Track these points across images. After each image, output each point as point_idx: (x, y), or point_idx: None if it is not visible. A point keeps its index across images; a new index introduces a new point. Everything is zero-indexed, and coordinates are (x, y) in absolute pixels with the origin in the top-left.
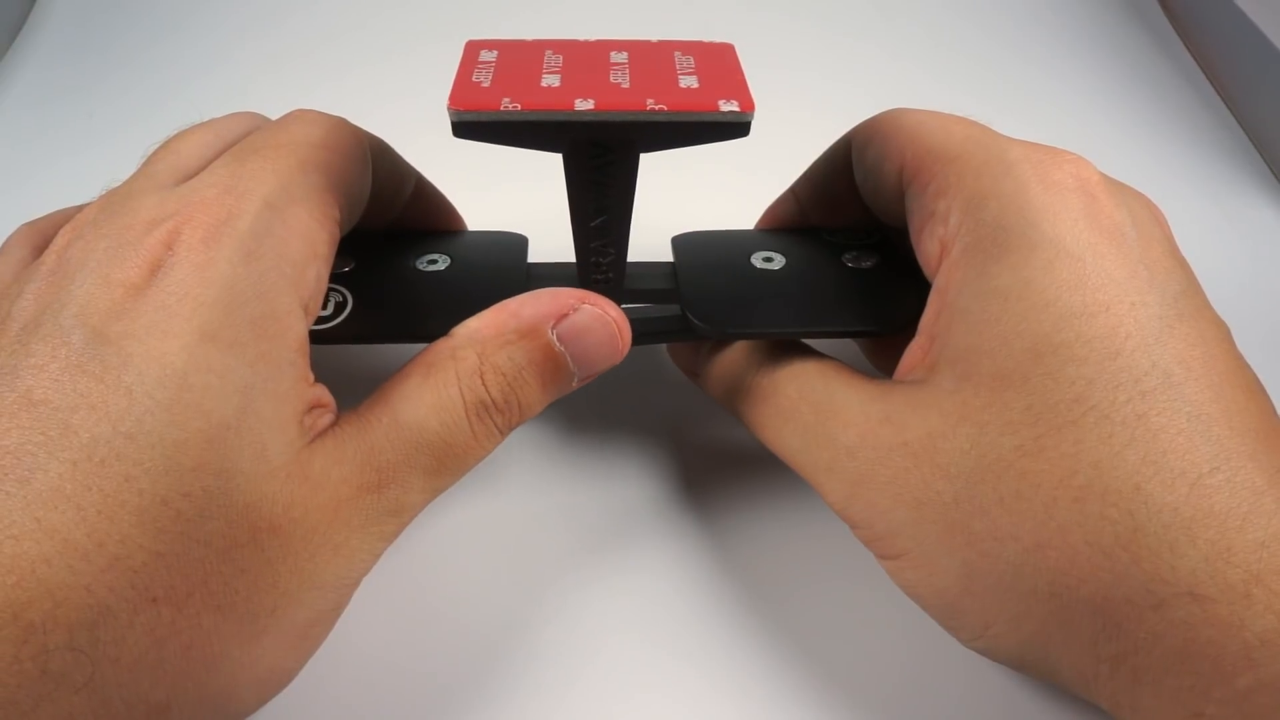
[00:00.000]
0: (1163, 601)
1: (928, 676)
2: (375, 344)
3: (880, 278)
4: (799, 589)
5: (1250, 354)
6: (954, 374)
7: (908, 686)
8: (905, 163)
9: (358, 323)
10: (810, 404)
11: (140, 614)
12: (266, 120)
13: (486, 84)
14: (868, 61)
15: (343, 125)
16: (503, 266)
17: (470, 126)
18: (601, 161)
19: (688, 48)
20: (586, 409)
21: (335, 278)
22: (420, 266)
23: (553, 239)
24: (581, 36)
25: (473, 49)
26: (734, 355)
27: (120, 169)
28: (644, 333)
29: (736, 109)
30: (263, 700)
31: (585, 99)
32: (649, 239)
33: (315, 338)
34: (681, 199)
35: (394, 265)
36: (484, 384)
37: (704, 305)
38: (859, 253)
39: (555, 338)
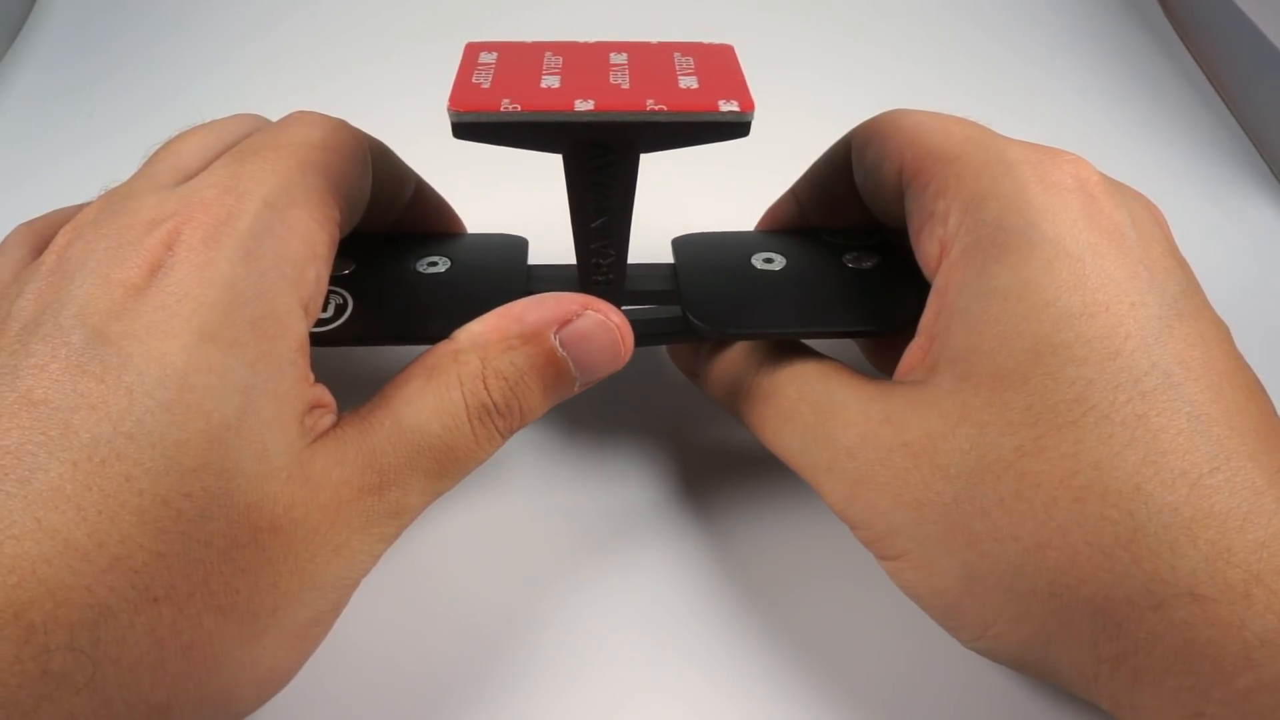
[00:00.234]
0: (1163, 601)
1: (928, 676)
2: (375, 346)
3: (880, 278)
4: (799, 589)
5: (1250, 354)
6: (954, 374)
7: (908, 687)
8: (905, 163)
9: (358, 324)
10: (810, 404)
11: (141, 614)
12: (267, 122)
13: (486, 85)
14: (868, 62)
15: (342, 127)
16: (503, 269)
17: (470, 127)
18: (601, 162)
19: (687, 49)
20: (587, 410)
21: (335, 280)
22: (420, 269)
23: (553, 241)
24: (581, 38)
25: (472, 51)
26: (734, 356)
27: (120, 169)
28: (644, 334)
29: (736, 109)
30: (262, 700)
31: (585, 99)
32: (649, 240)
33: (315, 339)
34: (682, 200)
35: (394, 267)
36: (486, 388)
37: (704, 306)
38: (859, 253)
39: (558, 343)
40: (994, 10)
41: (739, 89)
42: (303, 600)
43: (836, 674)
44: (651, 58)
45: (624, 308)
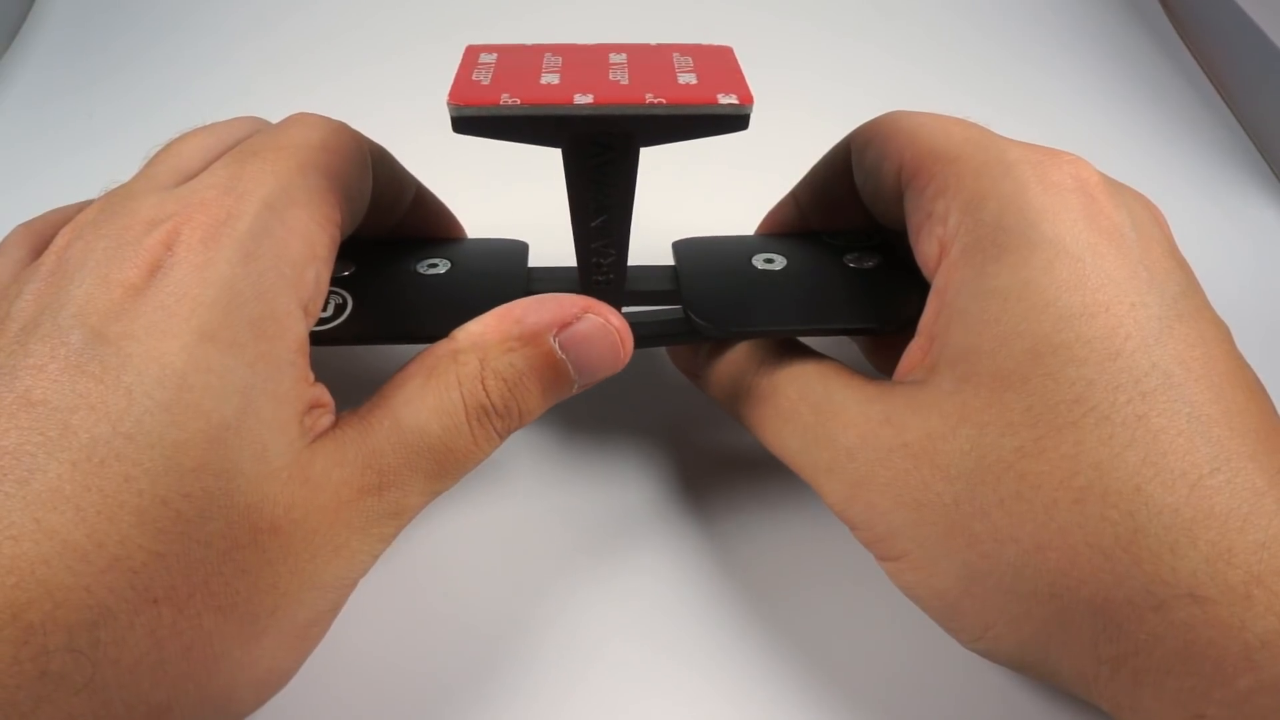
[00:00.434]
0: (1163, 603)
1: (928, 677)
2: (375, 345)
3: (881, 278)
4: (799, 591)
5: (1250, 354)
6: (954, 375)
7: (908, 687)
8: (904, 164)
9: (357, 324)
10: (810, 405)
11: (140, 615)
12: (267, 124)
13: (486, 82)
14: (868, 63)
15: (343, 129)
16: (503, 271)
17: (469, 121)
18: (601, 159)
19: (686, 49)
20: (587, 412)
21: (335, 280)
22: (421, 270)
23: (553, 242)
24: (580, 40)
25: (472, 52)
26: (734, 357)
27: (120, 169)
28: (645, 335)
29: (735, 101)
30: (262, 700)
31: (584, 94)
32: (650, 243)
33: (315, 339)
34: (682, 203)
35: (394, 269)
36: (485, 389)
37: (706, 305)
38: (860, 253)
39: (557, 345)
40: (994, 10)
41: (738, 83)
42: (302, 600)
43: (837, 676)
44: (651, 57)
45: (624, 308)
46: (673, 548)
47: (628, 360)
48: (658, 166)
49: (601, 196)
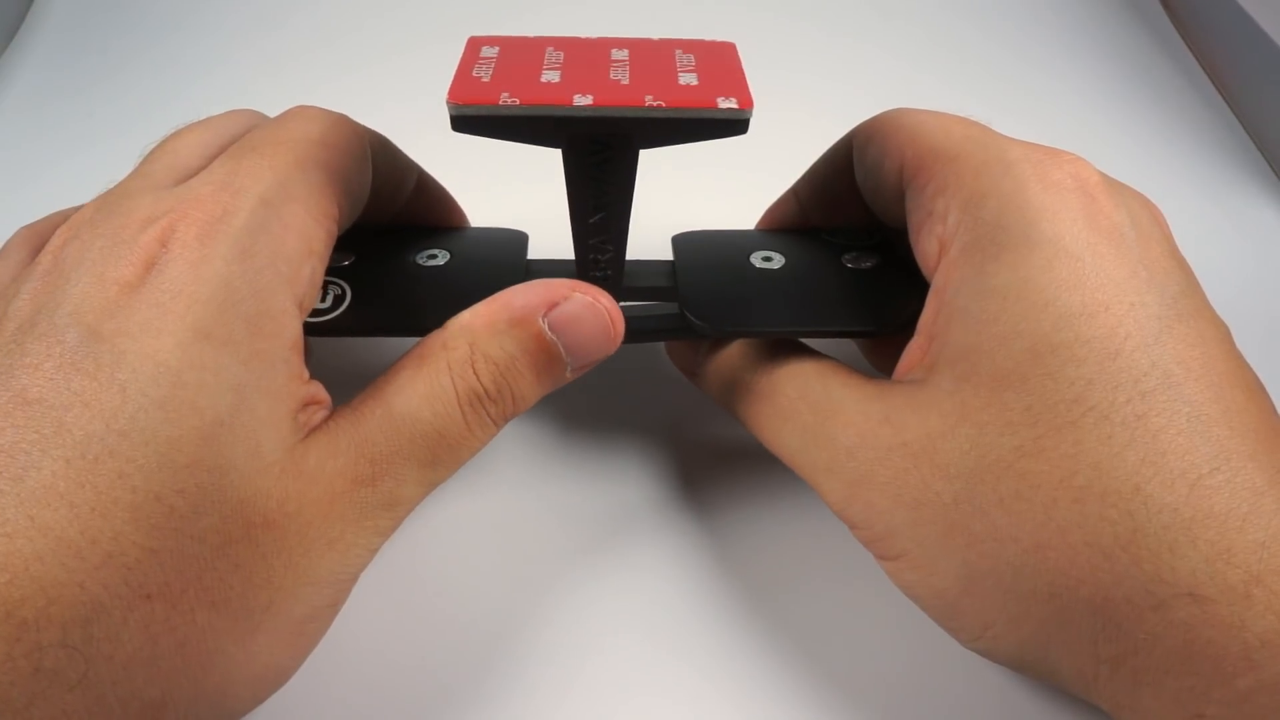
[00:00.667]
0: (1163, 602)
1: (928, 675)
2: (373, 337)
3: (879, 278)
4: (798, 588)
5: (1250, 354)
6: (953, 374)
7: (907, 685)
8: (905, 162)
9: (355, 315)
10: (809, 404)
11: (134, 611)
12: (264, 117)
13: (486, 79)
14: (868, 62)
15: (342, 122)
16: (502, 262)
17: (468, 120)
18: (600, 158)
19: (689, 46)
20: (585, 408)
21: (334, 270)
22: (420, 261)
23: (553, 237)
24: (584, 35)
25: (474, 45)
26: (732, 354)
27: (120, 169)
28: (642, 330)
29: (735, 106)
30: (259, 698)
31: (584, 94)
32: (650, 238)
33: (312, 329)
34: (683, 199)
35: (393, 259)
36: (475, 373)
37: (702, 303)
38: (859, 253)
39: (546, 326)
40: (995, 10)
41: (738, 86)
42: (297, 595)
43: (836, 674)
44: (653, 54)
45: (622, 303)
46: (671, 543)
47: (619, 341)
48: (660, 161)
49: (600, 194)
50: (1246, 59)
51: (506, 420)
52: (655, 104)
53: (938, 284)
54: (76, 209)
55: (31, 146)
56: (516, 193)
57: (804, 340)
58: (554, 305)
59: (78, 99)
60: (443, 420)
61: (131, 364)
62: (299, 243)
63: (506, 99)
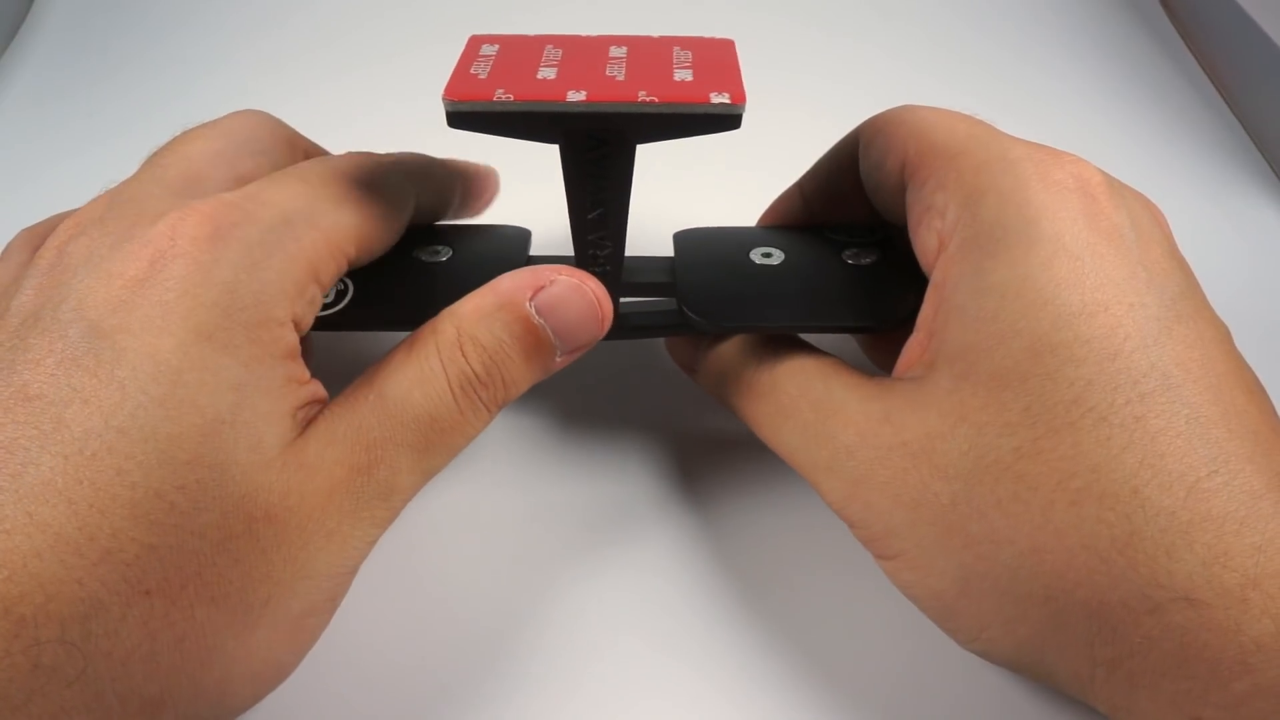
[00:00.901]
0: (1159, 606)
1: (927, 672)
2: (375, 331)
3: (880, 274)
4: (797, 585)
5: (1250, 354)
6: (952, 373)
7: (907, 682)
8: (907, 158)
9: (358, 310)
10: (810, 402)
11: (133, 607)
12: (271, 118)
13: (483, 76)
14: (869, 62)
15: (394, 170)
16: (504, 258)
17: (464, 117)
18: (597, 154)
19: (687, 43)
20: (585, 405)
21: None
22: (422, 257)
23: (554, 234)
24: (585, 34)
25: (474, 43)
26: (732, 351)
27: (120, 169)
28: (642, 326)
29: (727, 101)
30: (259, 695)
31: (578, 90)
32: (652, 235)
33: (315, 324)
34: (685, 197)
35: (396, 255)
36: (464, 356)
37: (700, 299)
38: (859, 249)
39: (534, 310)
40: (995, 10)
41: (732, 82)
42: (295, 590)
43: (835, 671)
44: (650, 51)
45: (622, 299)
46: (671, 540)
47: (609, 324)
48: (661, 159)
49: (598, 190)
50: (1246, 59)
51: (499, 406)
52: (648, 99)
53: (936, 280)
54: (77, 211)
55: (31, 146)
56: (518, 190)
57: (804, 336)
58: (540, 289)
59: (78, 99)
60: (434, 403)
61: (132, 361)
62: (308, 267)
63: (501, 95)
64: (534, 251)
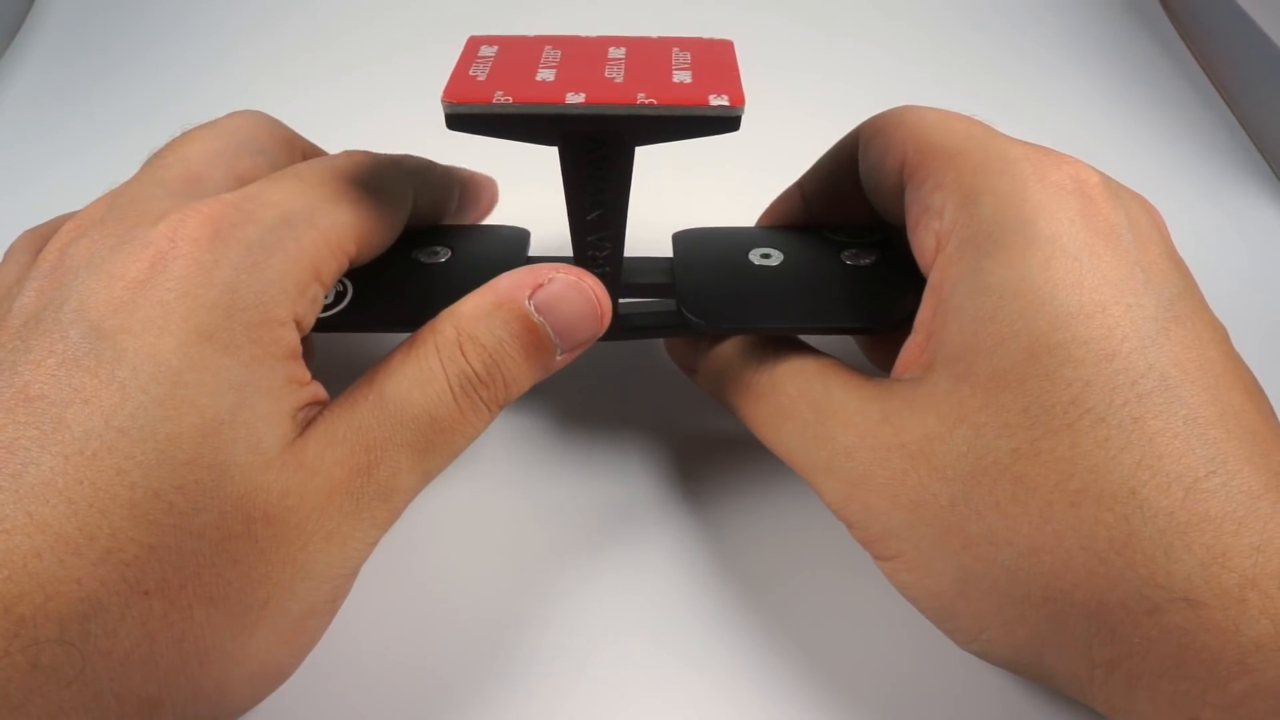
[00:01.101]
0: (1157, 606)
1: (927, 674)
2: (374, 333)
3: (878, 275)
4: (797, 585)
5: (1250, 354)
6: (950, 374)
7: (906, 681)
8: (906, 158)
9: (358, 312)
10: (809, 403)
11: (132, 607)
12: (270, 119)
13: (482, 78)
14: (869, 62)
15: (391, 169)
16: (503, 259)
17: (463, 119)
18: (596, 156)
19: (686, 44)
20: (585, 405)
21: None
22: (422, 258)
23: (552, 234)
24: (584, 34)
25: (474, 44)
26: (732, 352)
27: (120, 169)
28: (641, 327)
29: (726, 103)
30: (258, 696)
31: (577, 92)
32: (652, 236)
33: (315, 326)
34: (685, 198)
35: (396, 256)
36: (464, 355)
37: (699, 300)
38: (858, 250)
39: (533, 308)
40: (994, 11)
41: (731, 84)
42: (295, 591)
43: (834, 671)
44: (650, 52)
45: (621, 300)
46: (671, 540)
47: (607, 322)
48: (661, 159)
49: (596, 192)
50: (1246, 59)
51: (500, 405)
52: (647, 101)
53: (934, 280)
54: (79, 213)
55: (31, 146)
56: (517, 191)
57: (803, 337)
58: (539, 287)
59: (78, 99)
60: (433, 403)
61: (132, 361)
62: (309, 267)
63: (500, 97)
64: (533, 252)
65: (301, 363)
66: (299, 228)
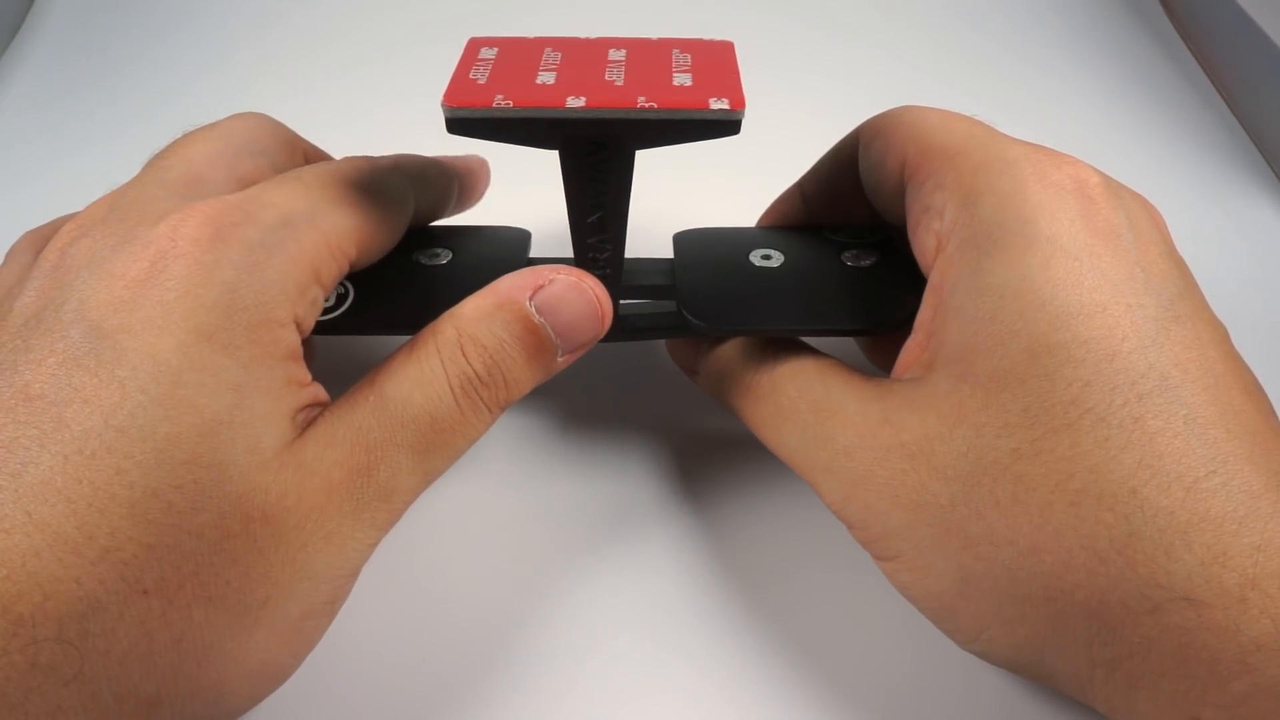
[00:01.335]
0: (1158, 606)
1: (927, 673)
2: (375, 335)
3: (879, 276)
4: (797, 585)
5: (1250, 354)
6: (951, 374)
7: (906, 682)
8: (907, 158)
9: (359, 314)
10: (809, 403)
11: (130, 606)
12: (271, 120)
13: (482, 81)
14: (869, 62)
15: (392, 173)
16: (504, 260)
17: (463, 123)
18: (596, 159)
19: (686, 45)
20: (586, 406)
21: None
22: (423, 260)
23: (552, 235)
24: (584, 35)
25: (474, 46)
26: (732, 353)
27: (120, 170)
28: (642, 328)
29: (727, 107)
30: (257, 696)
31: (577, 96)
32: (653, 236)
33: (316, 328)
34: (686, 198)
35: (396, 258)
36: (465, 356)
37: (700, 302)
38: (859, 251)
39: (534, 309)
40: (994, 11)
41: (732, 87)
42: (294, 592)
43: (834, 671)
44: (650, 54)
45: (622, 302)
46: (671, 540)
47: (609, 322)
48: (662, 160)
49: (597, 194)
50: (1246, 59)
51: (501, 407)
52: (648, 105)
53: (934, 280)
54: (80, 213)
55: (31, 146)
56: (517, 192)
57: (804, 338)
58: (540, 288)
59: (78, 99)
60: (434, 404)
61: (132, 361)
62: (310, 268)
63: (500, 101)
64: (534, 253)
65: (302, 364)
66: (300, 229)
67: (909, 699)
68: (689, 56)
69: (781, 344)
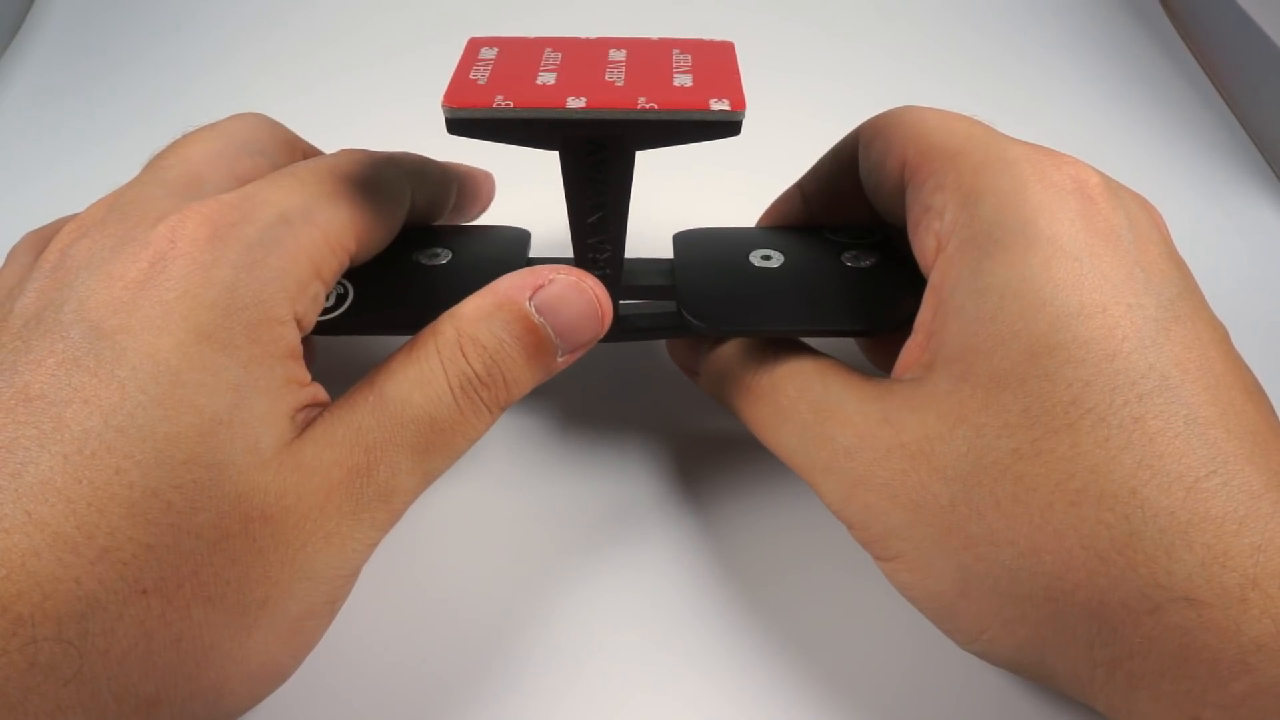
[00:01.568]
0: (1158, 606)
1: (928, 673)
2: (375, 335)
3: (879, 276)
4: (797, 584)
5: (1250, 354)
6: (951, 374)
7: (907, 682)
8: (907, 158)
9: (358, 314)
10: (809, 403)
11: (130, 606)
12: (271, 121)
13: (483, 81)
14: (870, 62)
15: (388, 167)
16: (504, 260)
17: (463, 123)
18: (596, 159)
19: (687, 46)
20: (585, 406)
21: None
22: (422, 260)
23: (552, 235)
24: (584, 35)
25: (474, 46)
26: (732, 353)
27: (120, 170)
28: (642, 328)
29: (727, 108)
30: (256, 696)
31: (577, 97)
32: (653, 236)
33: (316, 329)
34: (686, 198)
35: (396, 259)
36: (465, 356)
37: (699, 302)
38: (859, 252)
39: (533, 309)
40: (994, 11)
41: (732, 88)
42: (293, 592)
43: (834, 671)
44: (650, 55)
45: (622, 302)
46: (671, 540)
47: (609, 322)
48: (662, 159)
49: (597, 195)
50: (1246, 59)
51: (501, 407)
52: (648, 106)
53: (934, 280)
54: (80, 214)
55: (31, 146)
56: (517, 192)
57: (804, 338)
58: (539, 288)
59: (78, 99)
60: (434, 404)
61: (132, 361)
62: (309, 264)
63: (501, 102)
64: (534, 253)
65: (301, 363)
66: (297, 225)
67: (909, 699)
68: (689, 57)
69: (781, 344)
